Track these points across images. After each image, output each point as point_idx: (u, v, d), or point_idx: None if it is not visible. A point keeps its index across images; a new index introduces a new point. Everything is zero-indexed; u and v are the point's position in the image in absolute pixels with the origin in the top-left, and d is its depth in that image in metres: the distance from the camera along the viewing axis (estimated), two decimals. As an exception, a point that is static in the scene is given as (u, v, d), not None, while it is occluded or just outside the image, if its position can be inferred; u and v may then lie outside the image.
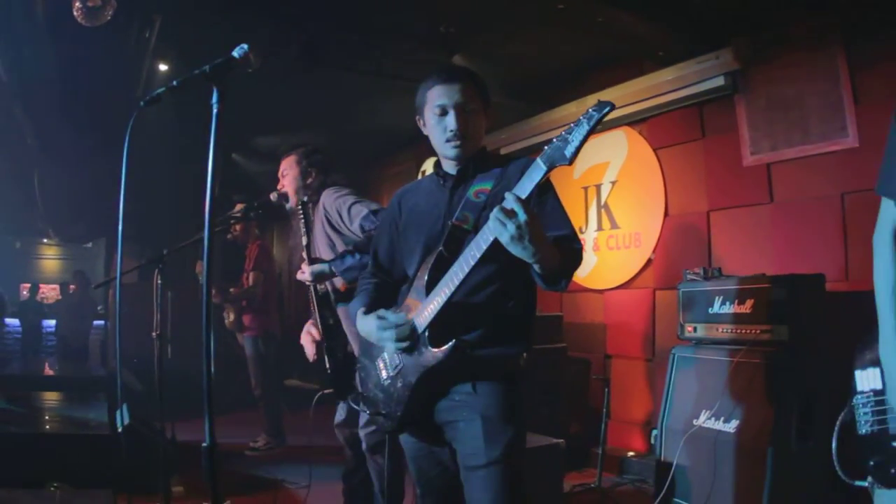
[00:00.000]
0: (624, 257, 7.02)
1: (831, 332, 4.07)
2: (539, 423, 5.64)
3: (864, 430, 2.40)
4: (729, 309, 4.88)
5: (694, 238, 6.27)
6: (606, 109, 2.23)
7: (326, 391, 4.51)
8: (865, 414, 2.41)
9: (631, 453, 6.21)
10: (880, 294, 2.29)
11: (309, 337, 4.46)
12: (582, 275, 7.42)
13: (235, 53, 2.30)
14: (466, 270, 2.50)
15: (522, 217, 2.27)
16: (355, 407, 3.06)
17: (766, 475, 4.14)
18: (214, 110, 2.18)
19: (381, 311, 2.75)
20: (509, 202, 2.29)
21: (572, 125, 2.27)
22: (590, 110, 2.24)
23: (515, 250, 2.33)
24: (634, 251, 6.90)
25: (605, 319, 7.20)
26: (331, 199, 4.42)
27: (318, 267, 4.23)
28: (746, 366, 4.58)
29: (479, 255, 2.47)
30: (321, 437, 4.81)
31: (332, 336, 4.38)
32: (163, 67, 6.32)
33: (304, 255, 4.31)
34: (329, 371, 4.36)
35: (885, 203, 2.35)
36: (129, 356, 8.26)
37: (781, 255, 5.45)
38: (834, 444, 2.50)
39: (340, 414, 4.65)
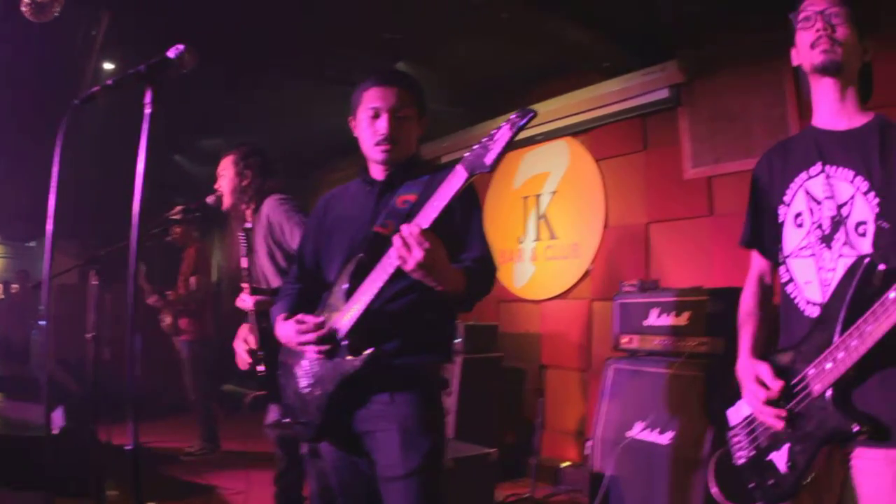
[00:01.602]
0: (562, 268, 6.99)
1: (768, 345, 4.07)
2: (473, 433, 5.59)
3: (741, 460, 2.47)
4: (665, 321, 4.88)
5: (633, 250, 6.28)
6: (529, 116, 2.17)
7: (258, 393, 4.40)
8: (739, 443, 2.49)
9: (565, 464, 6.19)
10: (739, 328, 2.61)
11: (243, 344, 4.30)
12: (519, 285, 7.41)
13: (171, 54, 2.27)
14: (384, 279, 2.46)
15: (424, 246, 2.25)
16: (281, 416, 2.97)
17: (702, 488, 4.11)
18: (147, 111, 2.17)
19: (301, 316, 2.71)
20: (411, 229, 2.27)
21: (493, 132, 2.21)
22: (512, 117, 2.18)
23: (417, 277, 2.34)
24: (573, 262, 6.88)
25: (541, 329, 7.16)
26: (275, 211, 4.27)
27: (262, 300, 4.03)
28: (682, 378, 4.58)
29: (385, 278, 2.45)
30: (257, 443, 4.68)
31: (268, 342, 4.23)
32: (109, 66, 6.18)
33: (246, 280, 4.09)
34: (263, 374, 4.19)
35: (753, 254, 2.69)
36: (68, 358, 8.09)
37: (720, 268, 5.47)
38: (714, 485, 2.60)
39: (272, 414, 4.52)
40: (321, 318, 2.66)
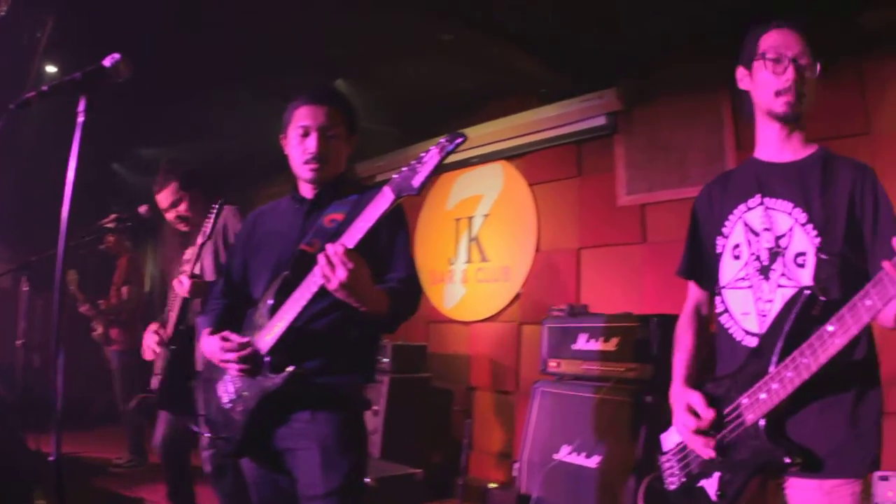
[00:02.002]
0: (492, 291, 7.01)
1: (703, 373, 4.14)
2: (399, 453, 5.57)
3: (672, 485, 2.49)
4: (594, 346, 4.92)
5: (563, 275, 6.32)
6: (458, 141, 2.20)
7: (145, 396, 4.35)
8: (671, 469, 2.50)
9: (493, 485, 6.17)
10: (674, 356, 2.62)
11: (154, 335, 4.21)
12: (449, 306, 7.41)
13: (106, 63, 2.26)
14: (308, 297, 2.46)
15: (348, 266, 2.27)
16: (195, 430, 2.94)
17: (629, 512, 4.16)
18: (79, 119, 2.16)
19: (226, 333, 2.67)
20: (336, 249, 2.28)
21: (422, 155, 2.23)
22: (442, 141, 2.20)
23: (340, 296, 2.34)
24: (503, 285, 6.90)
25: (469, 351, 7.16)
26: (234, 219, 4.35)
27: (198, 283, 4.02)
28: (610, 403, 4.62)
29: (309, 296, 2.45)
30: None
31: (176, 342, 4.20)
32: (51, 69, 6.05)
33: (189, 267, 4.05)
34: (162, 372, 4.18)
35: (690, 284, 2.70)
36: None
37: (652, 295, 5.54)
38: None
39: (158, 434, 4.46)
40: (246, 339, 2.63)
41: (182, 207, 4.46)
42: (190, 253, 4.24)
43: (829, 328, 1.96)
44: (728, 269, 2.46)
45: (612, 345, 4.81)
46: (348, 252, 2.28)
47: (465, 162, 7.17)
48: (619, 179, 5.94)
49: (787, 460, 2.09)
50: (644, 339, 4.60)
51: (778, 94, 2.29)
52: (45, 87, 2.30)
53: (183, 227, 4.51)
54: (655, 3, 5.00)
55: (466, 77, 6.57)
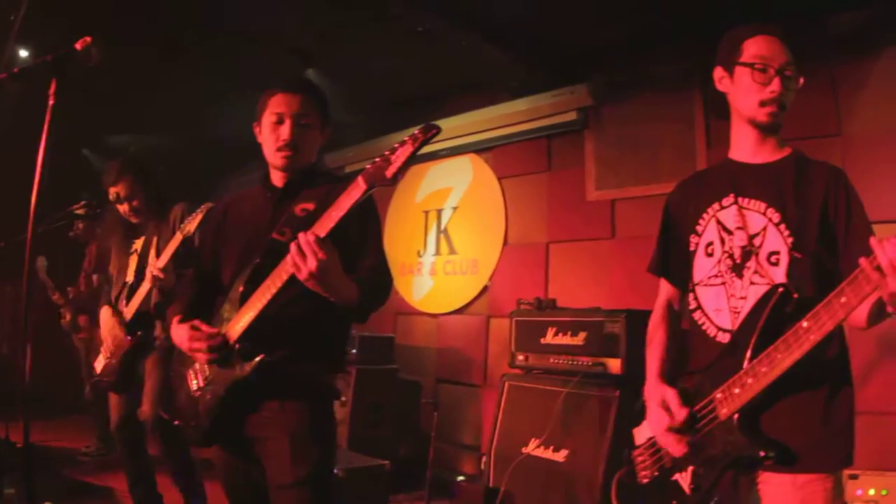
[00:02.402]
0: (460, 283, 7.03)
1: (675, 369, 4.18)
2: (366, 444, 5.57)
3: (645, 479, 2.51)
4: (562, 340, 4.94)
5: (532, 268, 6.35)
6: (433, 133, 2.21)
7: (99, 379, 4.46)
8: (643, 463, 2.52)
9: (461, 478, 6.20)
10: (647, 352, 2.62)
11: (115, 320, 4.35)
12: (417, 298, 7.42)
13: (78, 46, 2.26)
14: (278, 285, 2.46)
15: (319, 256, 2.26)
16: (164, 417, 2.93)
17: (598, 506, 4.19)
18: (50, 102, 2.16)
19: (196, 322, 2.66)
20: (307, 238, 2.28)
21: (397, 145, 2.23)
22: (415, 132, 2.21)
23: (311, 286, 2.34)
24: (471, 278, 6.93)
25: (437, 343, 7.19)
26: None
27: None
28: (577, 397, 4.65)
29: (279, 284, 2.45)
30: (153, 445, 4.58)
31: (137, 328, 4.33)
32: (24, 53, 5.97)
33: (163, 260, 4.15)
34: (118, 357, 4.31)
35: (662, 281, 2.72)
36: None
37: (620, 290, 5.56)
38: (615, 501, 2.64)
39: (113, 420, 4.50)
40: (216, 330, 2.62)
41: (136, 202, 4.51)
42: (139, 243, 4.48)
43: (805, 324, 1.99)
44: (701, 267, 2.49)
45: (580, 339, 4.84)
46: (319, 241, 2.27)
47: (435, 154, 7.17)
48: (588, 174, 5.97)
49: (762, 454, 2.12)
50: (612, 334, 4.63)
51: (763, 104, 2.32)
52: (15, 70, 2.30)
53: (134, 219, 4.58)
54: (628, 2, 5.03)
55: (437, 69, 6.57)
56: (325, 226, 2.34)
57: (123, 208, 4.52)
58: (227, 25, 5.74)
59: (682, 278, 2.59)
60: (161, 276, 4.09)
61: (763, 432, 2.17)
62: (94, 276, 7.20)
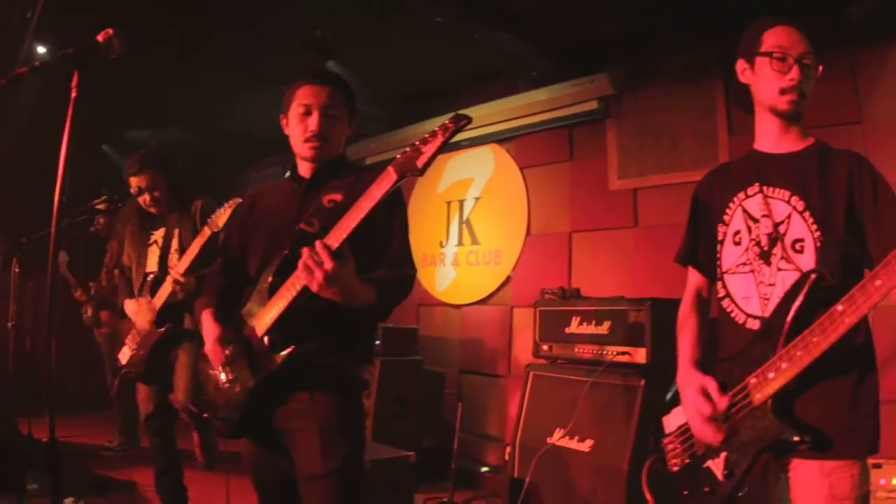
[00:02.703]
0: (483, 273, 7.03)
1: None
2: (391, 436, 5.58)
3: (676, 467, 2.54)
4: (586, 329, 4.93)
5: (555, 258, 6.34)
6: (463, 122, 2.22)
7: (127, 370, 4.49)
8: (674, 451, 2.55)
9: (485, 469, 6.20)
10: (678, 340, 2.65)
11: (147, 315, 4.40)
12: (440, 289, 7.42)
13: (100, 38, 2.26)
14: (303, 283, 2.45)
15: (328, 266, 2.30)
16: (192, 409, 2.94)
17: (624, 496, 4.17)
18: (72, 94, 2.15)
19: (226, 331, 2.72)
20: (318, 251, 2.30)
21: (427, 136, 2.24)
22: (446, 122, 2.23)
23: (324, 294, 2.37)
24: (494, 268, 6.92)
25: (460, 334, 7.19)
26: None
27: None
28: (603, 387, 4.63)
29: (298, 287, 2.47)
30: (178, 440, 4.61)
31: (168, 317, 4.40)
32: (41, 50, 5.99)
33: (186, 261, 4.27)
34: (147, 348, 4.38)
35: (690, 270, 2.76)
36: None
37: (643, 278, 5.55)
38: (647, 492, 2.66)
39: (142, 412, 4.58)
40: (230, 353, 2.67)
41: (157, 192, 4.58)
42: (158, 235, 4.59)
43: (840, 308, 2.01)
44: (729, 255, 2.52)
45: (604, 328, 4.82)
46: (328, 253, 2.30)
47: (456, 145, 7.17)
48: (610, 163, 5.96)
49: (797, 438, 2.14)
50: (637, 323, 4.61)
51: (783, 92, 2.36)
52: (37, 63, 2.32)
53: (154, 210, 4.66)
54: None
55: (457, 60, 6.55)
56: (345, 226, 2.36)
57: (144, 199, 4.59)
58: (242, 19, 5.74)
59: (710, 267, 2.63)
60: (182, 280, 4.18)
61: (798, 417, 2.19)
62: (116, 271, 7.26)
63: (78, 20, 5.25)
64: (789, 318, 2.19)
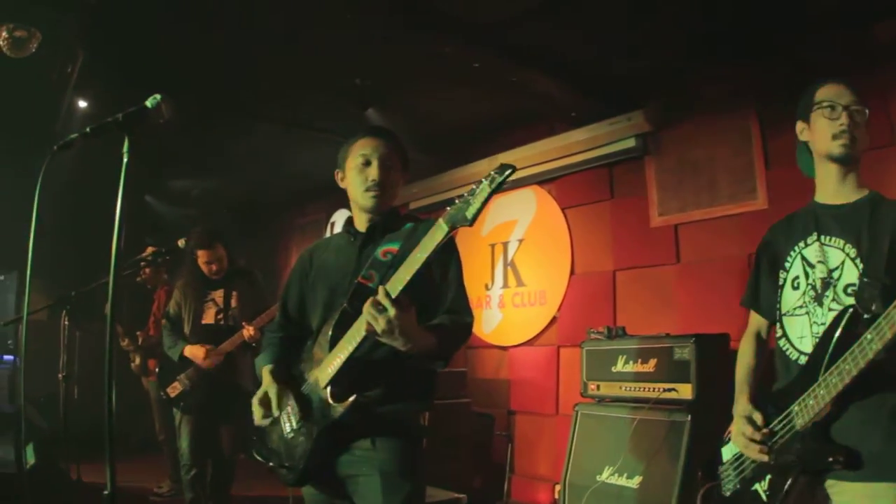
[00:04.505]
0: (529, 315, 7.05)
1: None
2: (442, 478, 5.60)
3: (728, 492, 2.75)
4: (632, 367, 4.95)
5: (599, 297, 6.35)
6: (508, 172, 2.27)
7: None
8: (728, 476, 2.76)
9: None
10: (737, 376, 2.89)
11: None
12: (487, 331, 7.44)
13: (148, 104, 2.32)
14: (363, 334, 2.51)
15: (391, 313, 2.35)
16: (258, 458, 3.01)
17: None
18: (125, 160, 2.19)
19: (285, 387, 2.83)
20: (380, 298, 2.36)
21: (474, 187, 2.30)
22: (492, 173, 2.27)
23: (387, 341, 2.43)
24: (540, 309, 6.94)
25: (509, 375, 7.18)
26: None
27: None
28: (650, 423, 4.65)
29: (364, 334, 2.51)
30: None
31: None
32: (82, 104, 6.15)
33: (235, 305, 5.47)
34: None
35: (751, 312, 2.98)
36: (37, 395, 8.00)
37: (687, 314, 5.56)
38: None
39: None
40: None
41: (224, 263, 5.53)
42: (217, 295, 5.50)
43: (868, 336, 2.18)
44: (789, 299, 2.72)
45: (650, 366, 4.85)
46: (390, 300, 2.35)
47: (498, 187, 7.18)
48: (651, 201, 5.97)
49: (830, 459, 2.31)
50: (682, 360, 4.63)
51: (834, 137, 2.56)
52: (88, 129, 2.36)
53: (216, 277, 5.53)
54: (678, 26, 5.06)
55: (495, 103, 6.63)
56: (401, 278, 2.41)
57: (210, 268, 5.46)
58: (282, 71, 5.88)
59: (770, 310, 2.84)
60: (254, 335, 5.13)
61: (833, 439, 2.36)
62: (163, 321, 7.42)
63: (117, 75, 5.45)
64: (829, 350, 2.37)
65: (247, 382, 5.38)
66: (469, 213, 2.28)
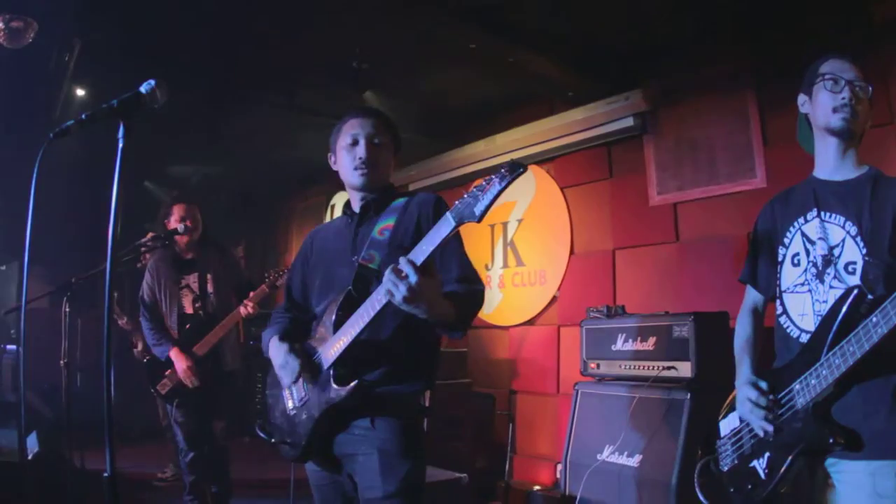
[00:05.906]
0: (529, 294, 7.07)
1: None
2: (443, 458, 5.62)
3: (725, 467, 2.77)
4: (631, 346, 4.96)
5: (599, 276, 6.36)
6: (519, 171, 2.24)
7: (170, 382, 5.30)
8: (725, 451, 2.79)
9: (537, 487, 6.20)
10: (735, 350, 2.92)
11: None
12: (487, 311, 7.44)
13: (143, 89, 2.32)
14: (372, 314, 2.53)
15: (413, 279, 2.31)
16: (261, 434, 3.03)
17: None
18: (119, 145, 2.19)
19: (297, 347, 2.82)
20: (402, 265, 2.33)
21: (484, 182, 2.26)
22: (503, 171, 2.24)
23: (408, 310, 2.39)
24: (539, 288, 6.96)
25: (509, 355, 7.22)
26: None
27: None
28: (649, 402, 4.67)
29: (373, 313, 2.52)
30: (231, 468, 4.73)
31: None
32: (80, 92, 6.16)
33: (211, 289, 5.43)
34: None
35: (748, 287, 3.00)
36: (40, 383, 8.03)
37: (686, 293, 5.57)
38: (697, 486, 2.88)
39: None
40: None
41: (198, 224, 5.48)
42: (191, 279, 5.45)
43: (874, 319, 2.17)
44: (788, 275, 2.72)
45: (650, 344, 4.86)
46: (413, 266, 2.32)
47: (496, 168, 7.17)
48: (649, 180, 5.97)
49: (831, 440, 2.31)
50: (681, 338, 4.64)
51: (835, 109, 2.55)
52: (83, 115, 2.34)
53: (190, 248, 5.50)
54: (677, 4, 5.05)
55: (492, 84, 6.62)
56: (416, 258, 2.38)
57: (186, 226, 5.34)
58: (280, 55, 5.88)
59: (768, 286, 2.87)
60: (252, 312, 5.25)
61: (834, 420, 2.36)
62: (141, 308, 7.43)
63: (115, 62, 5.43)
64: (832, 330, 2.36)
65: (233, 363, 5.50)
66: (478, 209, 2.26)
